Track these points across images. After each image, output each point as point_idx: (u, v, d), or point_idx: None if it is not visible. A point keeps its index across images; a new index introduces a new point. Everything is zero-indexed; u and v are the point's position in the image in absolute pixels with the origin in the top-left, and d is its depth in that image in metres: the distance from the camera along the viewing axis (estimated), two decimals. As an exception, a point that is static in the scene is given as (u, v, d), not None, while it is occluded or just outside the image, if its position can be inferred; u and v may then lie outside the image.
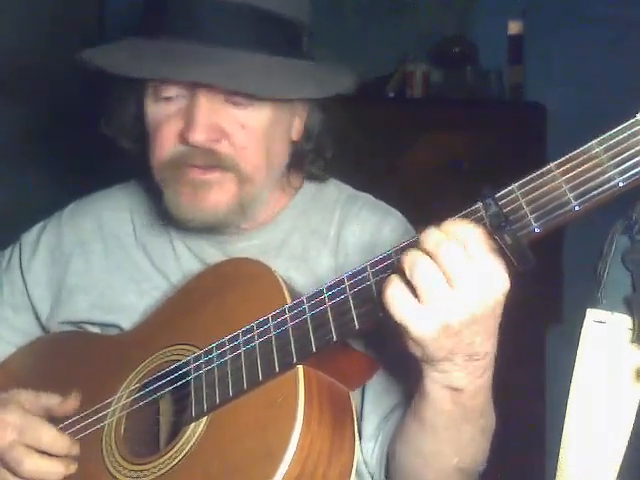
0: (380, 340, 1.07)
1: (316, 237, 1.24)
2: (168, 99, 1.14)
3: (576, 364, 0.82)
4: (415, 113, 2.90)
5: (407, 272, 0.87)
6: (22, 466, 1.06)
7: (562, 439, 0.82)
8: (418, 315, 0.87)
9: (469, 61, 3.03)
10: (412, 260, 0.87)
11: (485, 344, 0.91)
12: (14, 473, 1.07)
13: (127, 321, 1.24)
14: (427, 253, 0.86)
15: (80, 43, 2.83)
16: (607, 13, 2.90)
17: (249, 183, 1.15)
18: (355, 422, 1.02)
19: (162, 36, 1.12)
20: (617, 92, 2.98)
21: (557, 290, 2.77)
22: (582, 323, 0.84)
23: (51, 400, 1.13)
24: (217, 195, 1.14)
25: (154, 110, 1.15)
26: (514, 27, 3.04)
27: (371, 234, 1.23)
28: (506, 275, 0.86)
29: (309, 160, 1.26)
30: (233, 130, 1.12)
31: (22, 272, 1.34)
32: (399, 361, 1.05)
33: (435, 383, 0.95)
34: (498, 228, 0.84)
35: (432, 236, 0.87)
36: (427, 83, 3.01)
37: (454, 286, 0.85)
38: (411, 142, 2.82)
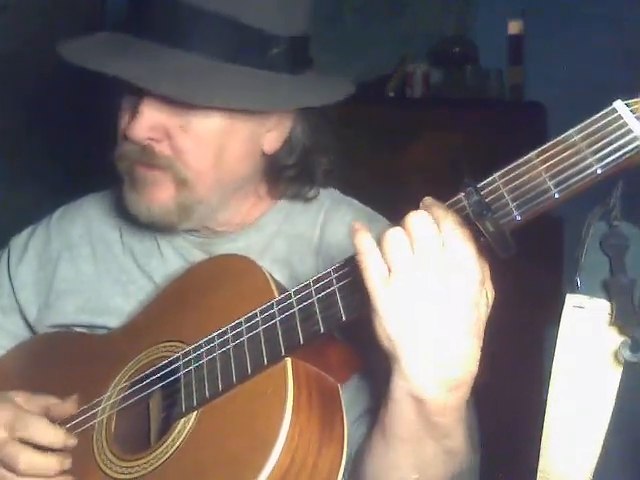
0: (357, 348, 1.07)
1: (300, 241, 1.24)
2: (128, 96, 1.15)
3: (556, 349, 0.83)
4: (415, 113, 2.90)
5: (382, 240, 0.89)
6: (18, 461, 1.05)
7: (544, 424, 0.82)
8: (384, 281, 0.87)
9: (469, 61, 3.04)
10: (388, 230, 0.89)
11: (453, 346, 0.87)
12: (10, 469, 1.06)
13: (114, 324, 1.25)
14: (402, 222, 0.89)
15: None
16: (607, 13, 2.90)
17: (187, 188, 1.13)
18: (344, 412, 1.01)
19: (120, 31, 1.12)
20: (617, 92, 2.99)
21: (556, 290, 2.77)
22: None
23: (49, 400, 1.13)
24: (153, 193, 1.14)
25: (121, 102, 1.17)
26: (514, 27, 3.04)
27: None
28: (477, 267, 0.87)
29: (289, 175, 1.23)
30: (174, 132, 1.11)
31: (10, 276, 1.35)
32: (373, 368, 1.05)
33: (399, 388, 0.92)
34: (480, 216, 0.85)
35: (413, 212, 0.89)
36: (427, 83, 3.01)
37: (416, 252, 0.87)
38: (411, 142, 2.82)
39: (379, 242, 0.89)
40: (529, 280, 2.46)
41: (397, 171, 2.80)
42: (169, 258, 1.27)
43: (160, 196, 1.14)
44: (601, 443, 0.79)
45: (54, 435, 1.08)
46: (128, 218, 1.31)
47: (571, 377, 0.81)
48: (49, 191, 2.47)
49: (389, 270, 0.88)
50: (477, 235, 0.87)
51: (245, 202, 1.24)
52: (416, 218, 0.88)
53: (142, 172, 1.14)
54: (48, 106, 2.53)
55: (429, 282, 0.87)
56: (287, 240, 1.25)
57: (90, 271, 1.30)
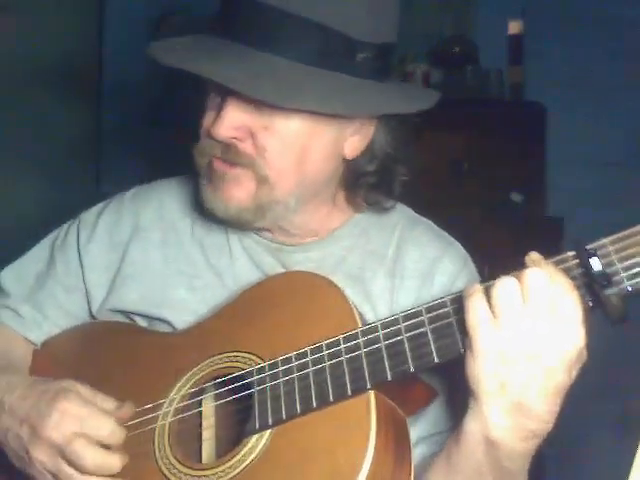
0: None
1: (374, 258, 1.23)
2: (212, 95, 1.15)
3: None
4: (415, 113, 2.90)
5: (493, 287, 0.90)
6: (84, 460, 1.03)
7: None
8: (489, 324, 0.89)
9: (469, 61, 3.04)
10: (501, 279, 0.90)
11: (540, 401, 0.89)
12: (75, 465, 1.04)
13: (176, 317, 1.22)
14: (519, 276, 0.89)
15: (80, 47, 2.84)
16: (607, 13, 2.90)
17: (268, 186, 1.13)
18: (411, 448, 1.01)
19: (212, 33, 1.12)
20: (617, 92, 2.99)
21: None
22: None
23: (106, 404, 1.10)
24: (232, 190, 1.13)
25: (207, 100, 1.17)
26: (514, 27, 3.04)
27: (430, 262, 1.21)
28: (584, 334, 0.87)
29: (369, 182, 1.21)
30: (257, 131, 1.11)
31: (79, 253, 1.30)
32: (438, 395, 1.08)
33: (474, 426, 0.94)
34: (600, 286, 0.86)
35: (535, 269, 0.89)
36: (427, 83, 3.01)
37: (527, 304, 0.87)
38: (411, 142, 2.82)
39: (489, 288, 0.90)
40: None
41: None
42: (238, 258, 1.24)
43: (238, 194, 1.13)
44: None
45: (119, 435, 1.07)
46: (200, 210, 1.28)
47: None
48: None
49: (495, 315, 0.89)
50: (586, 300, 0.88)
51: (322, 208, 1.22)
52: (533, 272, 0.88)
53: (222, 168, 1.13)
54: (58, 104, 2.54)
55: (532, 336, 0.87)
56: (361, 255, 1.23)
57: (157, 257, 1.27)
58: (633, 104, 2.88)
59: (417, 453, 1.11)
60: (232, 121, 1.10)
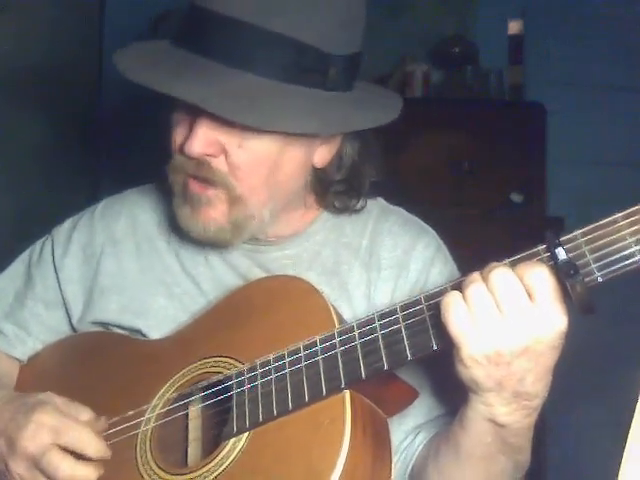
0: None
1: (348, 250, 1.24)
2: (182, 110, 1.13)
3: (633, 424, 0.78)
4: (415, 113, 2.89)
5: (463, 290, 0.90)
6: (58, 470, 1.03)
7: None
8: (471, 332, 0.89)
9: (469, 61, 3.03)
10: (470, 279, 0.91)
11: (536, 384, 0.92)
12: (49, 476, 1.04)
13: (154, 326, 1.22)
14: (485, 278, 0.90)
15: (80, 47, 2.84)
16: (607, 13, 2.90)
17: (241, 204, 1.13)
18: (391, 447, 1.02)
19: (181, 45, 1.10)
20: (617, 92, 2.99)
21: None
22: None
23: (82, 415, 1.10)
24: (207, 213, 1.13)
25: (174, 114, 1.15)
26: (514, 27, 3.04)
27: (404, 250, 1.23)
28: (565, 317, 0.88)
29: (337, 190, 1.23)
30: (230, 148, 1.10)
31: (55, 269, 1.31)
32: (429, 383, 1.10)
33: (478, 414, 0.96)
34: (567, 275, 0.86)
35: (496, 267, 0.90)
36: (427, 83, 3.01)
37: (503, 312, 0.88)
38: (411, 142, 2.82)
39: (463, 292, 0.91)
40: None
41: (397, 171, 2.80)
42: (215, 265, 1.25)
43: (214, 215, 1.14)
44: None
45: (97, 445, 1.07)
46: (174, 218, 1.28)
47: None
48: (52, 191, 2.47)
49: (475, 321, 0.89)
50: (561, 293, 0.88)
51: (294, 214, 1.23)
52: (497, 276, 0.89)
53: (196, 190, 1.13)
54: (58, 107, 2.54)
55: (515, 333, 0.89)
56: (335, 249, 1.24)
57: (134, 268, 1.28)
58: (633, 104, 2.88)
59: (419, 440, 1.14)
60: (205, 138, 1.09)
